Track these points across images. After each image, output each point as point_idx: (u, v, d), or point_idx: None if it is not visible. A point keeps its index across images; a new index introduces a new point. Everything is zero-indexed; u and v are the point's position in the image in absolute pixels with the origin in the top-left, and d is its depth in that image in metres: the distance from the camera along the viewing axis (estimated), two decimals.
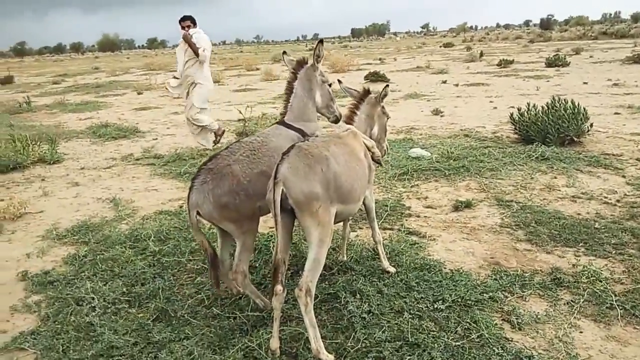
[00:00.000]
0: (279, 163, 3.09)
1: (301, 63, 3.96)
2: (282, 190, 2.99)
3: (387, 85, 4.46)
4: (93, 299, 3.88)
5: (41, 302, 3.98)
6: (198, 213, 3.32)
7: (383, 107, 4.42)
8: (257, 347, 3.16)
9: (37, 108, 16.61)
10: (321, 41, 3.91)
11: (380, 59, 34.26)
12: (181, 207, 6.13)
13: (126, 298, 3.89)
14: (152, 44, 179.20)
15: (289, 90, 3.93)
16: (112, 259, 4.57)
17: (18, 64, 65.27)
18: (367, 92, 4.33)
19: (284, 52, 4.34)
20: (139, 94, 20.16)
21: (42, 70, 45.81)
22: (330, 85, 4.09)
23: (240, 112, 9.98)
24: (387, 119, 4.48)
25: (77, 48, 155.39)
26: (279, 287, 3.04)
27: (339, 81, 4.51)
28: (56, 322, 3.62)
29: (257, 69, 29.81)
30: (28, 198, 6.61)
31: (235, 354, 3.09)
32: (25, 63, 73.04)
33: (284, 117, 3.92)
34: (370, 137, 4.20)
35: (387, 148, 4.57)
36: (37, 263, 4.73)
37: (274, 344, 3.10)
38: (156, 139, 10.76)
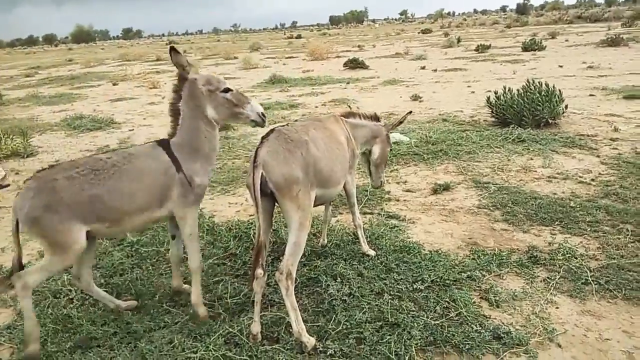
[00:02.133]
0: (258, 147, 3.08)
1: (183, 78, 3.29)
2: (262, 174, 2.98)
3: (410, 112, 4.48)
4: (70, 291, 3.82)
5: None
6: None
7: (388, 135, 4.37)
8: (238, 332, 3.15)
9: (9, 101, 16.19)
10: (172, 48, 3.22)
11: (359, 46, 34.19)
12: None
13: (104, 289, 3.83)
14: (128, 34, 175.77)
15: (174, 112, 3.33)
16: None
17: None
18: (375, 116, 4.38)
19: (173, 49, 3.26)
20: (114, 85, 19.79)
21: (14, 63, 44.59)
22: (227, 90, 3.32)
23: None
24: (389, 149, 4.43)
25: (50, 40, 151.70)
26: (259, 271, 3.03)
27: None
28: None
29: (235, 58, 29.48)
30: (1, 192, 6.45)
31: (216, 340, 3.07)
32: None
33: (170, 137, 3.33)
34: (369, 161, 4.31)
35: (384, 181, 4.52)
36: (10, 258, 4.61)
37: (255, 328, 3.09)
38: (132, 129, 10.59)
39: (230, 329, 3.19)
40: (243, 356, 2.94)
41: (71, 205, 2.93)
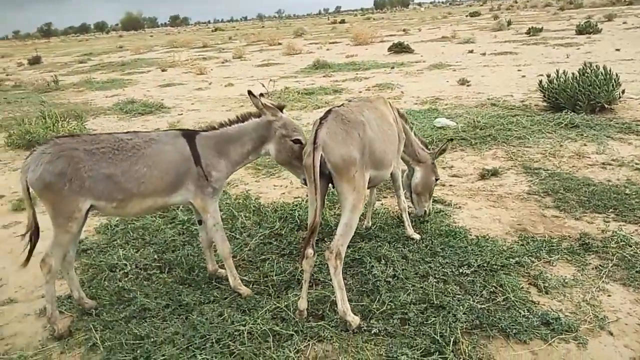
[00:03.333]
0: (317, 128, 3.09)
1: (277, 109, 3.41)
2: (321, 155, 3.00)
3: (451, 140, 4.51)
4: (125, 265, 4.02)
5: (76, 269, 4.12)
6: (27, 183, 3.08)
7: (434, 164, 4.33)
8: (285, 308, 3.24)
9: (64, 87, 16.93)
10: (249, 92, 3.38)
11: (404, 30, 33.57)
12: None
13: (157, 264, 4.02)
14: (175, 21, 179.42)
15: (238, 119, 3.48)
16: (143, 228, 4.69)
17: (45, 45, 66.39)
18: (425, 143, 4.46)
19: (250, 93, 3.40)
20: (163, 71, 20.32)
21: (68, 50, 46.50)
22: (297, 142, 3.41)
23: (264, 86, 9.96)
24: (436, 180, 4.37)
25: (101, 27, 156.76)
26: (310, 251, 3.08)
27: (249, 92, 3.44)
28: (90, 287, 3.76)
29: (279, 44, 29.60)
30: None
31: (264, 315, 3.17)
32: (52, 44, 74.16)
33: (202, 130, 3.47)
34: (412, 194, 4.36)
35: (429, 210, 4.44)
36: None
37: (302, 304, 3.16)
38: (181, 114, 10.88)
39: (277, 304, 3.28)
40: (289, 330, 3.02)
41: (85, 178, 3.03)
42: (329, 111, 3.28)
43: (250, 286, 3.59)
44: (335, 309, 3.16)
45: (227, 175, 3.50)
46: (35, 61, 30.06)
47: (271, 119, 3.42)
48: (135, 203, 3.22)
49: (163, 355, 2.90)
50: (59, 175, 3.00)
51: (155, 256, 4.14)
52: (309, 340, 3.00)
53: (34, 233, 3.23)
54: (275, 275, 3.70)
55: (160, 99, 12.73)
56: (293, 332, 3.01)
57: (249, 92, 3.39)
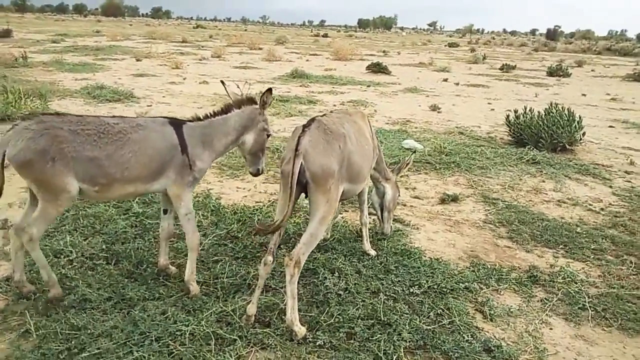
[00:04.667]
0: (300, 135, 3.04)
1: (250, 101, 3.58)
2: (302, 163, 2.96)
3: (414, 152, 4.61)
4: (71, 252, 3.86)
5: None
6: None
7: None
8: (232, 312, 3.18)
9: (33, 64, 16.36)
10: (269, 90, 3.51)
11: (384, 52, 34.12)
12: None
13: (104, 255, 3.88)
14: (157, 13, 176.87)
15: (222, 110, 3.54)
16: (95, 216, 4.54)
17: (18, 19, 64.13)
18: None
19: (222, 82, 3.79)
20: (137, 60, 19.93)
21: (42, 28, 45.04)
22: (268, 136, 3.67)
23: (238, 87, 9.88)
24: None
25: (79, 9, 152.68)
26: (269, 258, 3.07)
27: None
28: (32, 272, 3.59)
29: (260, 49, 29.57)
30: None
31: (208, 317, 3.10)
32: (26, 19, 71.77)
33: (192, 120, 3.50)
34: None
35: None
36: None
37: (251, 310, 3.11)
38: (150, 105, 10.67)
39: (224, 308, 3.21)
40: (233, 335, 2.96)
41: (68, 159, 2.97)
42: (312, 120, 3.26)
43: (199, 287, 3.51)
44: (283, 317, 3.13)
45: (209, 165, 3.53)
46: (4, 34, 28.93)
47: (260, 112, 3.55)
48: (117, 188, 3.18)
49: (98, 348, 2.79)
50: (40, 153, 2.92)
51: (104, 246, 4.00)
52: (252, 347, 2.94)
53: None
54: (226, 277, 3.63)
55: (130, 88, 12.44)
56: (237, 337, 2.95)
57: (269, 90, 3.49)
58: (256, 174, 3.73)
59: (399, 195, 4.52)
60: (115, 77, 14.78)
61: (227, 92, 3.73)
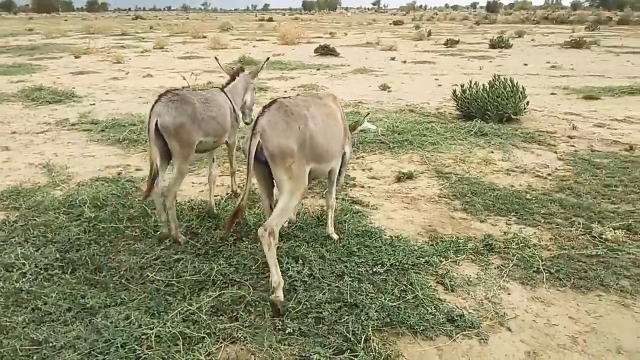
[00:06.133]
0: (259, 115, 3.19)
1: (242, 70, 4.91)
2: (259, 142, 3.10)
3: (368, 114, 4.98)
4: (24, 264, 3.70)
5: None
6: (156, 123, 3.85)
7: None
8: (197, 310, 3.15)
9: None
10: (268, 59, 5.26)
11: (331, 33, 34.07)
12: (119, 173, 5.92)
13: (59, 264, 3.74)
14: (92, 6, 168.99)
15: (232, 77, 4.78)
16: (45, 225, 4.36)
17: None
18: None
19: (216, 58, 5.55)
20: (76, 57, 19.08)
21: None
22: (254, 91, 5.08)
23: (185, 79, 9.67)
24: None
25: (7, 7, 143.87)
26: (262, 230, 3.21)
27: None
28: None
29: (204, 37, 28.87)
30: None
31: (174, 318, 3.06)
32: None
33: (224, 86, 4.69)
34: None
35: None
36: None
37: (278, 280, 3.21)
38: (94, 104, 10.26)
39: (189, 307, 3.18)
40: (201, 333, 2.94)
41: (200, 120, 4.02)
42: (273, 101, 3.35)
43: (162, 287, 3.45)
44: (250, 309, 3.15)
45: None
46: None
47: (251, 77, 4.94)
48: (222, 138, 4.39)
49: None
50: (189, 117, 3.92)
51: (58, 255, 3.85)
52: (221, 342, 2.93)
53: (157, 172, 3.97)
54: (189, 275, 3.59)
55: (71, 87, 11.92)
56: (205, 335, 2.93)
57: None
58: (249, 123, 4.71)
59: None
60: (53, 77, 14.12)
61: (220, 66, 5.03)
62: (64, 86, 12.12)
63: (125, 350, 2.78)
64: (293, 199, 3.22)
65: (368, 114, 4.61)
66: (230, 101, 4.51)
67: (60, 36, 31.65)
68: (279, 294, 3.14)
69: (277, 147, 3.13)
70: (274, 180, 3.36)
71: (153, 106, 3.88)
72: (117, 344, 2.81)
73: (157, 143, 3.90)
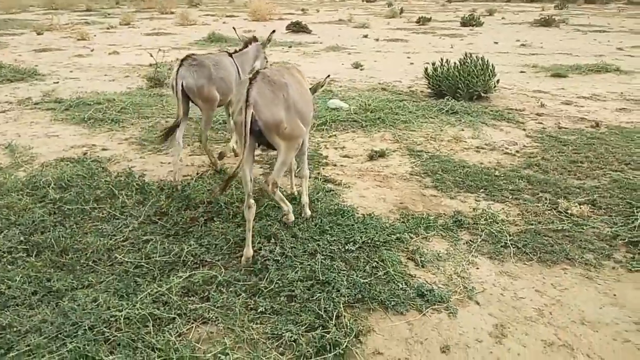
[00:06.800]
0: (248, 87, 3.30)
1: (255, 39, 5.67)
2: (252, 113, 3.25)
3: (328, 76, 4.78)
4: None
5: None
6: (183, 86, 4.62)
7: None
8: (167, 291, 3.11)
9: None
10: (274, 31, 5.88)
11: (303, 10, 33.54)
12: (85, 153, 5.75)
13: (23, 247, 3.63)
14: None
15: (247, 45, 5.51)
16: (8, 207, 4.22)
17: None
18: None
19: (234, 28, 6.68)
20: (38, 34, 18.29)
21: None
22: (266, 60, 5.80)
23: (152, 56, 9.39)
24: (266, 62, 5.81)
25: None
26: (251, 201, 3.53)
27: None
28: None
29: (172, 13, 28.07)
30: None
31: (144, 299, 3.02)
32: None
33: (234, 52, 5.37)
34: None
35: None
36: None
37: (249, 252, 3.54)
38: (57, 82, 9.90)
39: (159, 288, 3.14)
40: (171, 314, 2.91)
41: (215, 80, 4.79)
42: (257, 72, 3.51)
43: (131, 269, 3.39)
44: (222, 290, 3.15)
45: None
46: None
47: (264, 49, 5.68)
48: (227, 97, 5.01)
49: (28, 345, 2.65)
50: (208, 78, 4.73)
51: (22, 238, 3.74)
52: (192, 323, 2.91)
53: (178, 124, 4.78)
54: (159, 256, 3.54)
55: (33, 65, 11.45)
56: (175, 316, 2.91)
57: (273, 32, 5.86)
58: None
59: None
60: (14, 55, 13.53)
61: (237, 34, 5.88)
62: (26, 64, 11.63)
63: (94, 332, 2.74)
64: (289, 153, 3.56)
65: (328, 76, 4.56)
66: (236, 65, 5.15)
67: (20, 11, 30.26)
68: (291, 217, 3.96)
69: (270, 117, 3.34)
70: (254, 152, 3.69)
71: (177, 70, 4.62)
72: (84, 326, 2.76)
73: (183, 101, 4.71)
